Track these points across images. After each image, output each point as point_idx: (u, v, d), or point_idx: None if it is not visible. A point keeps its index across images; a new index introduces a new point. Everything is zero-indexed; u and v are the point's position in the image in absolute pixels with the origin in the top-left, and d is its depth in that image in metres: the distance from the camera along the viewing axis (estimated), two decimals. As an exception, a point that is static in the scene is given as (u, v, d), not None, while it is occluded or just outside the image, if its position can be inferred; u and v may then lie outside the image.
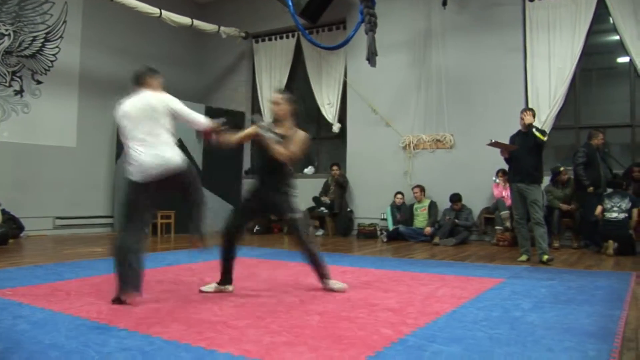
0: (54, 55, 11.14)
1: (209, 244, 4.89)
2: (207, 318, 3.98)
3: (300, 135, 5.07)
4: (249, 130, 5.02)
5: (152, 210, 4.92)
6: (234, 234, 5.12)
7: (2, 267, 6.53)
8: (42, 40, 10.96)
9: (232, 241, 5.10)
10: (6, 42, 10.36)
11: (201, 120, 4.85)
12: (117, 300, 4.41)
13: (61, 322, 3.84)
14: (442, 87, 10.77)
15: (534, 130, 7.29)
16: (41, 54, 10.94)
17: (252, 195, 5.16)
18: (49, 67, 11.05)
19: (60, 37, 11.26)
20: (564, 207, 9.15)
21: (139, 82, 4.82)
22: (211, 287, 5.06)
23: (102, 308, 4.28)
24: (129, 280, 4.45)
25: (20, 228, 9.86)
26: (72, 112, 11.40)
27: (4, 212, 9.36)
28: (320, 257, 5.18)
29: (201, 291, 5.00)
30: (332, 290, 5.07)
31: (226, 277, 5.09)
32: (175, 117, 4.69)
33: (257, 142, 4.99)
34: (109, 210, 12.13)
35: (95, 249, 8.72)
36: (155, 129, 4.57)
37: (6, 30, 10.36)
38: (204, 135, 4.95)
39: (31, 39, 10.78)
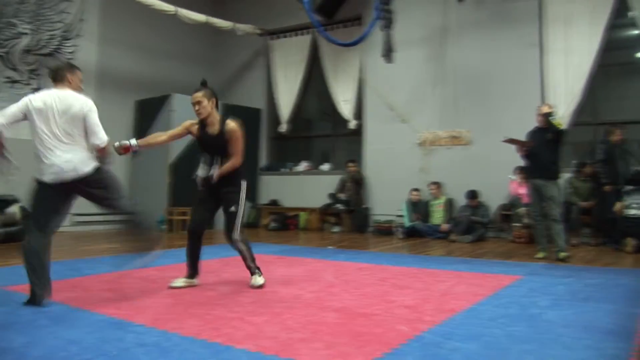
0: (71, 53, 11.20)
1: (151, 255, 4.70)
2: (223, 314, 3.99)
3: (234, 129, 5.02)
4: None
5: (61, 214, 4.52)
6: (198, 231, 5.13)
7: (21, 263, 6.57)
8: (60, 38, 11.03)
9: (198, 238, 5.11)
10: (24, 40, 10.44)
11: (102, 137, 4.46)
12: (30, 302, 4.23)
13: (80, 317, 3.88)
14: (458, 83, 10.72)
15: (550, 118, 7.22)
16: (59, 52, 11.01)
17: (208, 191, 5.14)
18: (66, 64, 11.12)
19: (78, 35, 11.33)
20: (583, 204, 9.08)
21: (57, 78, 4.47)
22: (180, 281, 5.12)
23: (120, 304, 4.32)
24: (38, 283, 4.26)
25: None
26: (89, 109, 11.45)
27: (23, 209, 9.43)
28: (248, 254, 5.19)
29: (170, 287, 5.03)
30: (251, 286, 5.07)
31: (194, 271, 5.18)
32: (85, 123, 4.40)
33: (202, 144, 5.11)
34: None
35: (113, 246, 8.76)
36: (72, 130, 4.32)
37: (24, 29, 10.44)
38: (101, 152, 4.54)
39: (49, 37, 10.85)
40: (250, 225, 12.54)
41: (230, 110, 12.40)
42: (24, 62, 10.41)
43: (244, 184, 5.15)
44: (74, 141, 4.32)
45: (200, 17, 11.81)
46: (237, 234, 5.04)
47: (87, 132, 4.38)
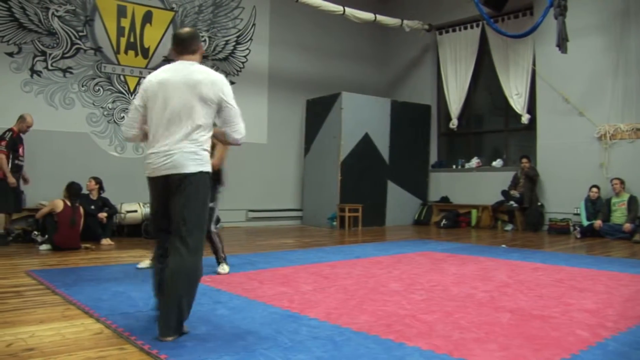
0: (244, 56, 11.80)
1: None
2: (395, 311, 4.00)
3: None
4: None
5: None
6: None
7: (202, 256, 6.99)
8: (234, 43, 11.67)
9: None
10: (203, 47, 11.09)
11: None
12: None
13: (255, 309, 4.07)
14: (642, 72, 10.01)
15: None
16: (233, 57, 11.64)
17: None
18: (240, 68, 11.72)
19: (250, 39, 11.90)
20: None
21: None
22: (146, 263, 5.71)
23: (293, 297, 4.46)
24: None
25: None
26: (262, 109, 12.02)
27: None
28: (217, 246, 5.86)
29: (138, 268, 5.59)
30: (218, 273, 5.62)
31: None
32: None
33: None
34: (298, 204, 12.61)
35: (286, 241, 9.09)
36: None
37: (202, 36, 11.11)
38: None
39: (224, 42, 11.51)
40: (421, 222, 12.53)
41: (400, 107, 12.47)
42: (202, 68, 11.07)
43: None
44: None
45: (368, 15, 11.93)
46: None
47: None
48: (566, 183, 10.75)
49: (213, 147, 4.08)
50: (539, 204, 11.04)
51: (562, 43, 9.39)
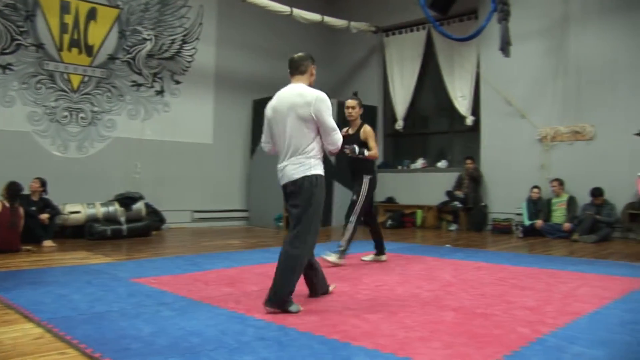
0: (191, 56, 11.68)
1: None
2: (341, 311, 4.02)
3: (369, 129, 6.52)
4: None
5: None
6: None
7: (146, 257, 6.93)
8: (180, 42, 11.53)
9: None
10: (148, 46, 10.99)
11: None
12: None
13: (201, 310, 4.03)
14: (581, 75, 10.27)
15: None
16: (179, 56, 11.51)
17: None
18: (186, 67, 11.60)
19: (197, 38, 11.78)
20: None
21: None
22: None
23: (239, 298, 4.44)
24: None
25: (162, 221, 10.45)
26: (208, 109, 11.93)
27: (147, 205, 9.93)
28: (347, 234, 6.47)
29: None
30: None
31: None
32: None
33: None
34: (244, 204, 12.55)
35: (232, 242, 9.04)
36: None
37: (148, 35, 10.99)
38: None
39: (170, 41, 11.37)
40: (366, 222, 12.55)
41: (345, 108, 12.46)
42: (147, 66, 10.94)
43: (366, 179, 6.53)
44: None
45: (315, 16, 11.96)
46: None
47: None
48: (509, 184, 10.97)
49: None
50: (483, 204, 11.23)
51: (505, 47, 9.57)
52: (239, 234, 10.47)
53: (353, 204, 6.47)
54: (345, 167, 6.96)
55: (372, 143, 6.41)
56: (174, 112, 11.28)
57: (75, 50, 10.04)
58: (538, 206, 10.26)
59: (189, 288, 4.87)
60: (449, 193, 11.50)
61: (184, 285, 5.02)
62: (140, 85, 10.87)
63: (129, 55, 10.74)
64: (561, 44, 10.55)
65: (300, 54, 4.40)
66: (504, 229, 10.62)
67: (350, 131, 6.51)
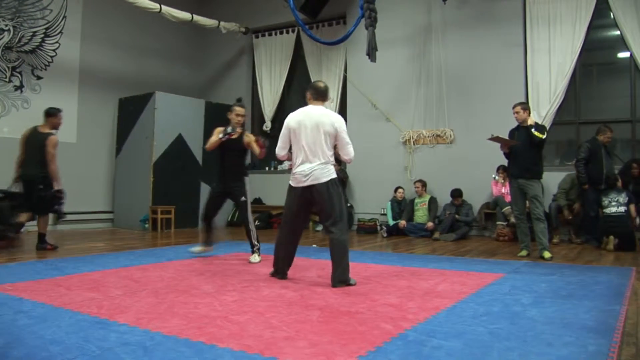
0: (53, 50, 11.15)
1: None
2: (207, 313, 3.98)
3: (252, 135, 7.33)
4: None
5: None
6: (210, 217, 7.21)
7: (2, 263, 6.53)
8: (42, 35, 10.96)
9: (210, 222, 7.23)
10: (6, 37, 10.36)
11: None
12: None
13: (62, 317, 3.85)
14: (442, 82, 10.77)
15: (532, 130, 7.22)
16: (41, 50, 10.95)
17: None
18: (48, 62, 11.06)
19: (60, 32, 11.25)
20: (567, 213, 9.09)
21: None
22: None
23: (102, 303, 4.29)
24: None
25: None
26: (72, 106, 11.38)
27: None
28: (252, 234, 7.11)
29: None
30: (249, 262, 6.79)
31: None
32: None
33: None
34: (109, 206, 12.15)
35: (96, 244, 8.73)
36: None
37: (6, 25, 10.36)
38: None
39: (31, 34, 10.78)
40: (234, 224, 12.49)
41: (214, 108, 12.38)
42: (5, 59, 10.33)
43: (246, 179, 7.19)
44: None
45: (185, 15, 11.78)
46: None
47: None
48: (374, 185, 11.29)
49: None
50: (349, 204, 11.46)
51: (371, 52, 9.82)
52: (103, 236, 10.13)
53: (244, 204, 7.13)
54: (211, 167, 7.31)
55: (255, 147, 7.17)
56: (35, 109, 10.65)
57: None
58: (402, 206, 10.63)
59: (49, 294, 4.64)
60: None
61: (44, 291, 4.78)
62: (-5, 79, 10.26)
63: (-17, 47, 10.11)
64: (424, 52, 11.00)
65: (325, 84, 5.64)
66: (369, 229, 10.92)
67: (235, 135, 7.04)
